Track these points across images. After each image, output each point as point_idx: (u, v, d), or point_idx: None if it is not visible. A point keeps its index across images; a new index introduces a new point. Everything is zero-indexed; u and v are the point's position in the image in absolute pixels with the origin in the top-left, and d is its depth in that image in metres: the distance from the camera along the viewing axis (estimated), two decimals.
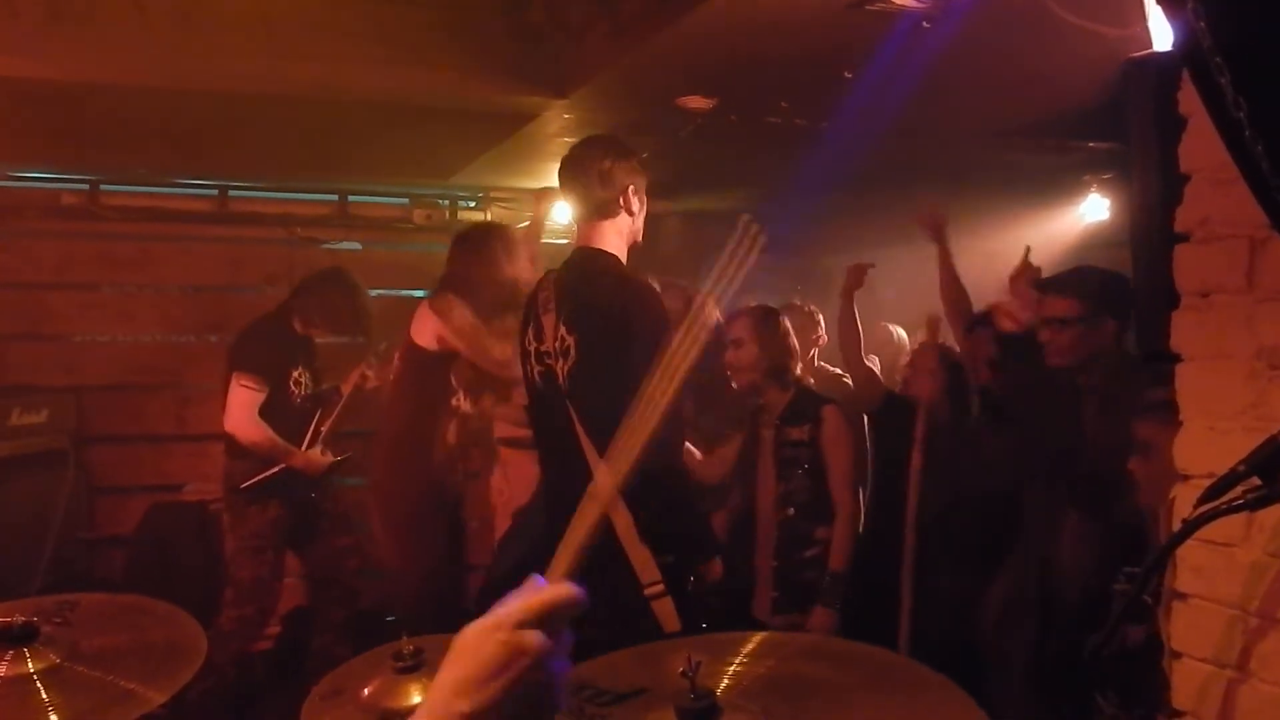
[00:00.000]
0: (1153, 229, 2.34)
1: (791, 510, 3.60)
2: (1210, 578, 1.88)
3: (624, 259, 2.94)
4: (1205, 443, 1.91)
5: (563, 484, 2.87)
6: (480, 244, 4.31)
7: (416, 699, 1.86)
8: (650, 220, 6.15)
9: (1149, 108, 2.59)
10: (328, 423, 4.53)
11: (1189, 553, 1.91)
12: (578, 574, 1.05)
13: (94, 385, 5.47)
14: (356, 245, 5.93)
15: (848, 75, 3.92)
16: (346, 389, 4.57)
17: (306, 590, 4.79)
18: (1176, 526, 1.76)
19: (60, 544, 4.95)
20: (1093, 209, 5.94)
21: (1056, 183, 5.89)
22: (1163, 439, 2.37)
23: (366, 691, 1.88)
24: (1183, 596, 1.96)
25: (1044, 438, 3.17)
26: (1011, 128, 4.94)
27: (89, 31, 3.71)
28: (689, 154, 5.12)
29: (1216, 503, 1.58)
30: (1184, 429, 1.98)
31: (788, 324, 3.84)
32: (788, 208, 5.80)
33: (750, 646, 1.52)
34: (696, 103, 4.28)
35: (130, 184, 5.57)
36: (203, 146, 5.07)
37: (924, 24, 3.51)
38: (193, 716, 3.56)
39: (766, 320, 3.78)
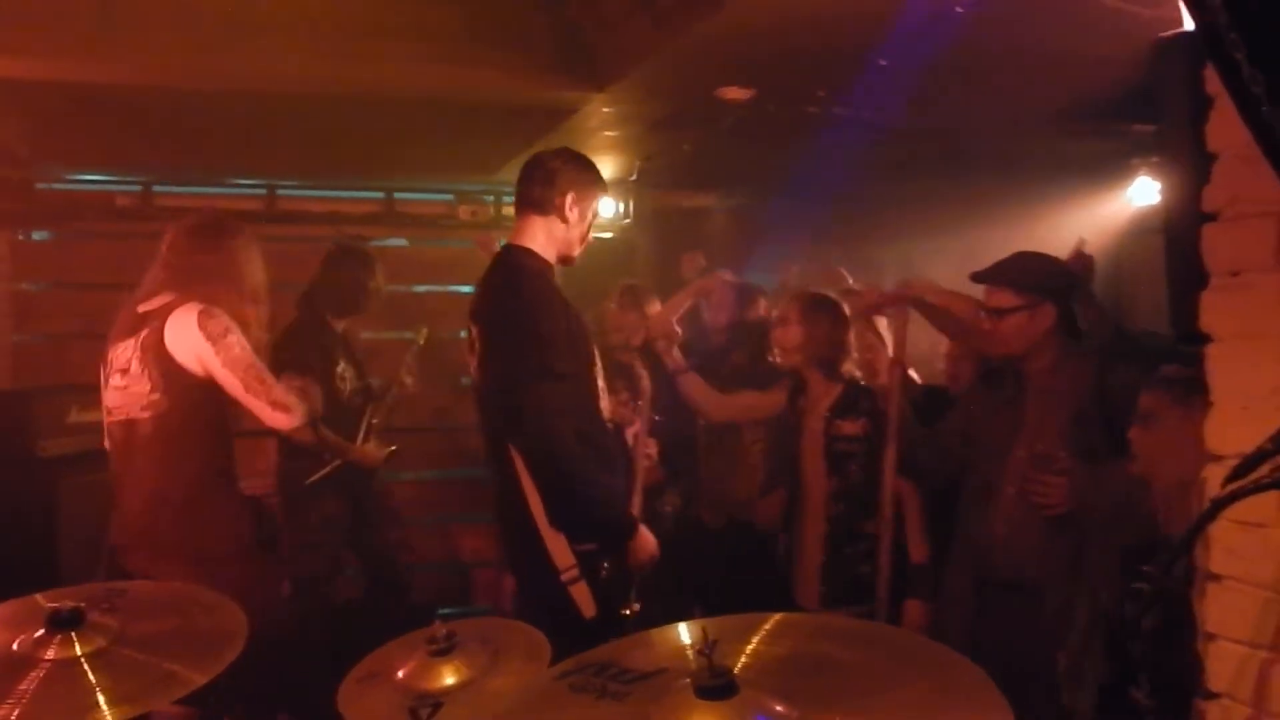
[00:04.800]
0: (1185, 209, 2.31)
1: (843, 505, 3.55)
2: (1244, 558, 1.85)
3: (548, 257, 2.96)
4: (1237, 423, 1.87)
5: (489, 470, 2.99)
6: None
7: (449, 681, 1.91)
8: (692, 214, 6.23)
9: (1180, 86, 2.54)
10: (378, 416, 4.57)
11: (1222, 533, 1.89)
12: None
13: None
14: (403, 242, 6.03)
15: (883, 63, 3.91)
16: (391, 389, 4.62)
17: (359, 584, 4.86)
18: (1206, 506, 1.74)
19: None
20: (1142, 192, 5.84)
21: (1103, 167, 5.82)
22: (1168, 412, 2.39)
23: (401, 674, 1.93)
24: (1216, 578, 1.94)
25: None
26: (1052, 112, 4.90)
27: (139, 36, 3.82)
28: (730, 146, 5.13)
29: (1244, 481, 1.58)
30: (1214, 409, 1.95)
31: (846, 316, 3.72)
32: (832, 198, 5.80)
33: (769, 626, 1.52)
34: (735, 94, 4.30)
35: (182, 184, 5.71)
36: (251, 147, 5.19)
37: (958, 9, 3.49)
38: (247, 704, 3.61)
39: (818, 306, 3.70)
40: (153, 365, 3.12)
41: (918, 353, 4.54)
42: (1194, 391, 2.13)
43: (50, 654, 1.84)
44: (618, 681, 1.47)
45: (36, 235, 5.65)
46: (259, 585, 3.21)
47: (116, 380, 3.22)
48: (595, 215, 3.08)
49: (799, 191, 5.59)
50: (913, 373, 4.23)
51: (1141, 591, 2.24)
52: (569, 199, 2.94)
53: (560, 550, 2.75)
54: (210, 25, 3.89)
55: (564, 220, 2.95)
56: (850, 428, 3.56)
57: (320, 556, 4.40)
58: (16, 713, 1.72)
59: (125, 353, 3.19)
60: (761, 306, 4.54)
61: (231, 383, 3.09)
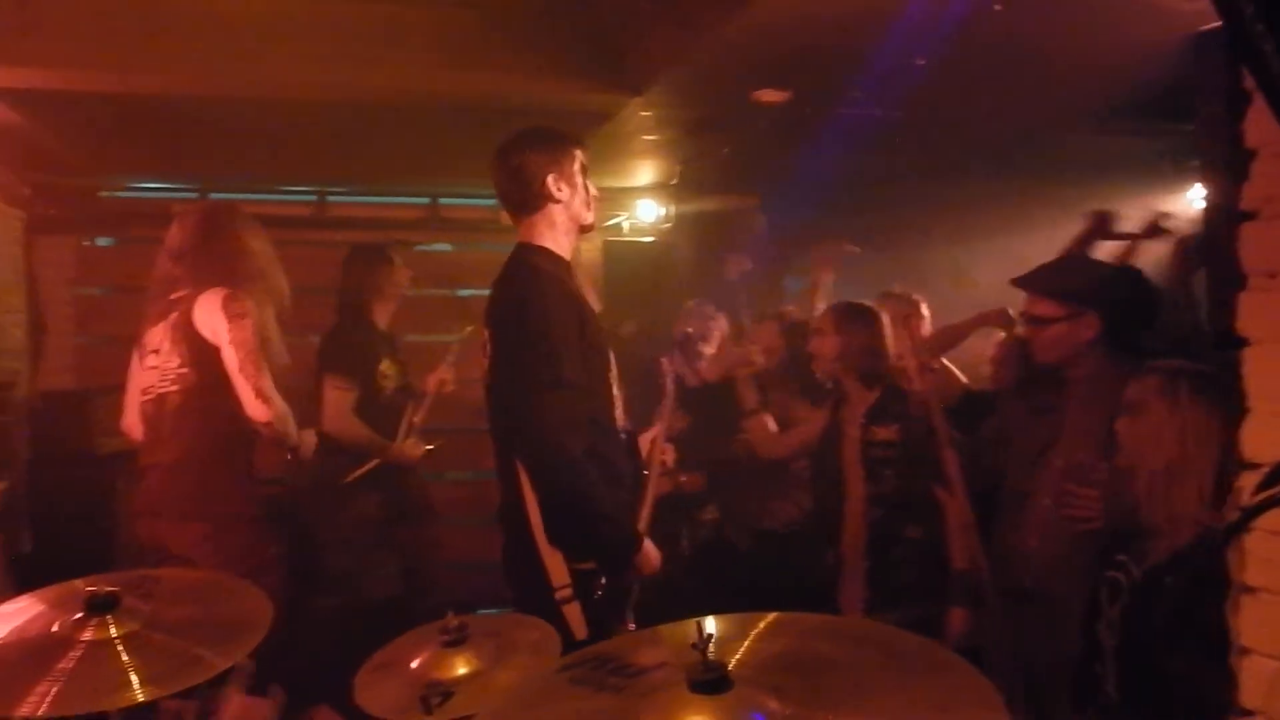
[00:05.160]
0: (1223, 208, 2.27)
1: (881, 511, 3.54)
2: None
3: (561, 248, 2.89)
4: (1272, 429, 1.83)
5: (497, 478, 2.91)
6: None
7: (460, 671, 1.97)
8: (733, 217, 6.23)
9: (1218, 82, 2.51)
10: (419, 415, 4.63)
11: (1257, 544, 1.84)
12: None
13: None
14: (448, 247, 6.14)
15: (920, 62, 3.90)
16: (431, 389, 4.68)
17: (396, 581, 4.92)
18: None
19: None
20: (1203, 194, 5.71)
21: (1160, 168, 5.71)
22: (1156, 402, 2.34)
23: (414, 664, 2.00)
24: (1251, 590, 1.89)
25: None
26: (1099, 111, 4.83)
27: (186, 49, 3.95)
28: (769, 149, 5.14)
29: (1275, 490, 1.56)
30: (1250, 415, 1.91)
31: (883, 323, 3.74)
32: (879, 199, 5.78)
33: (765, 624, 1.54)
34: (771, 96, 4.30)
35: (234, 191, 5.82)
36: (301, 154, 5.32)
37: (996, 5, 3.47)
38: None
39: (854, 315, 3.72)
40: (181, 342, 3.40)
41: (964, 356, 4.54)
42: (1181, 382, 2.12)
43: (87, 635, 1.95)
44: (618, 675, 1.49)
45: (100, 241, 5.84)
46: (258, 547, 3.45)
47: (149, 361, 3.49)
48: (584, 171, 2.94)
49: (840, 195, 5.58)
50: (959, 373, 4.21)
51: (1117, 581, 2.24)
52: (550, 182, 2.84)
53: (556, 567, 2.64)
54: (254, 35, 4.01)
55: (557, 202, 2.86)
56: (885, 433, 3.55)
57: (353, 553, 4.46)
58: (56, 689, 1.82)
59: (156, 336, 3.47)
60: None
61: (231, 359, 3.33)
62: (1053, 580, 2.87)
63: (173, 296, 3.52)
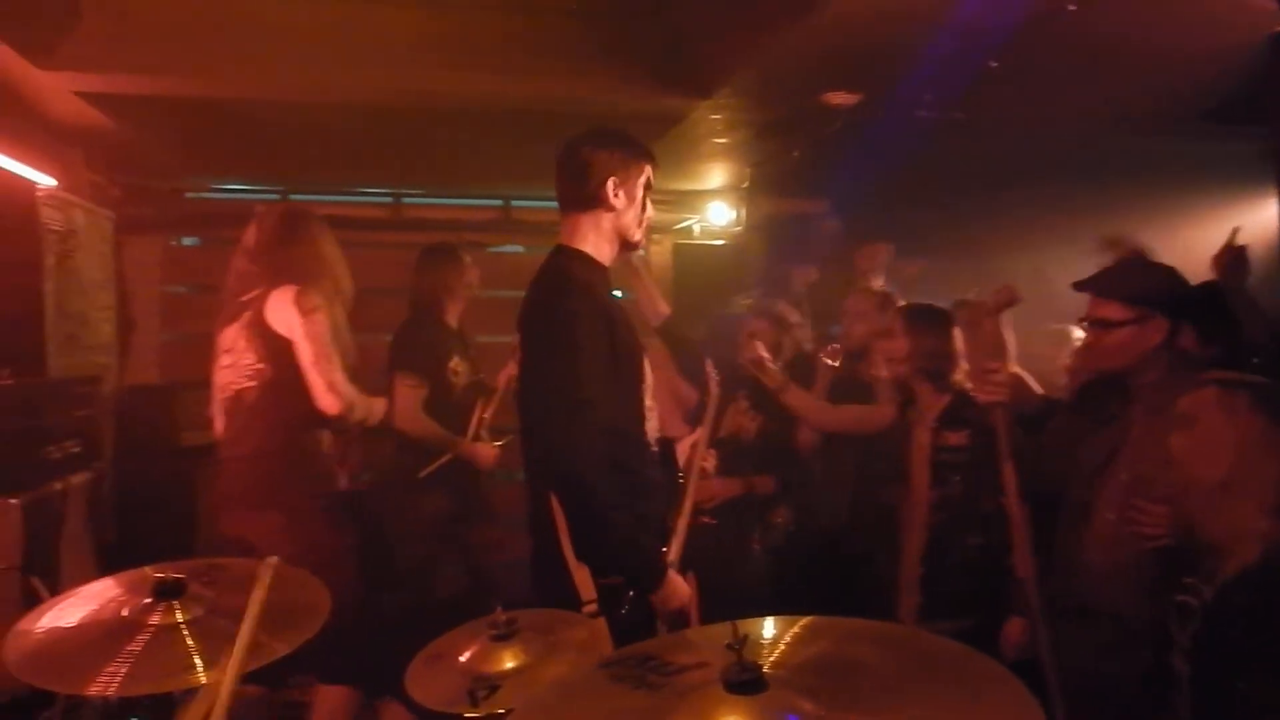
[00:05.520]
0: None
1: (944, 516, 3.49)
2: None
3: (601, 255, 2.77)
4: None
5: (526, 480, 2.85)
6: None
7: (508, 665, 2.00)
8: (804, 220, 6.20)
9: None
10: (489, 410, 4.65)
11: None
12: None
13: None
14: (519, 248, 6.22)
15: (993, 64, 3.86)
16: (501, 385, 4.72)
17: (462, 580, 4.98)
18: None
19: None
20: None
21: (1251, 171, 5.53)
22: (1210, 414, 2.28)
23: (463, 657, 2.03)
24: None
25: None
26: (1183, 112, 4.72)
27: (270, 55, 4.08)
28: (841, 152, 5.11)
29: None
30: None
31: (954, 328, 3.66)
32: (955, 204, 5.70)
33: (801, 627, 1.54)
34: (841, 98, 4.30)
35: (313, 193, 6.00)
36: (378, 157, 5.43)
37: (1070, 6, 3.42)
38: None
39: (924, 316, 3.66)
40: (256, 339, 3.52)
41: (1039, 364, 4.45)
42: (1239, 395, 2.05)
43: (155, 620, 2.01)
44: (657, 673, 1.50)
45: (185, 241, 6.05)
46: (331, 538, 3.54)
47: (224, 360, 3.62)
48: (648, 188, 2.82)
49: (914, 198, 5.52)
50: (1033, 382, 4.13)
51: (1187, 605, 2.17)
52: (610, 186, 2.72)
53: (584, 581, 2.54)
54: (338, 41, 4.12)
55: (610, 209, 2.74)
56: (955, 438, 3.50)
57: (422, 550, 4.50)
58: (125, 670, 1.90)
59: (230, 335, 3.60)
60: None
61: (306, 353, 3.46)
62: (1112, 597, 2.74)
63: (245, 297, 3.63)
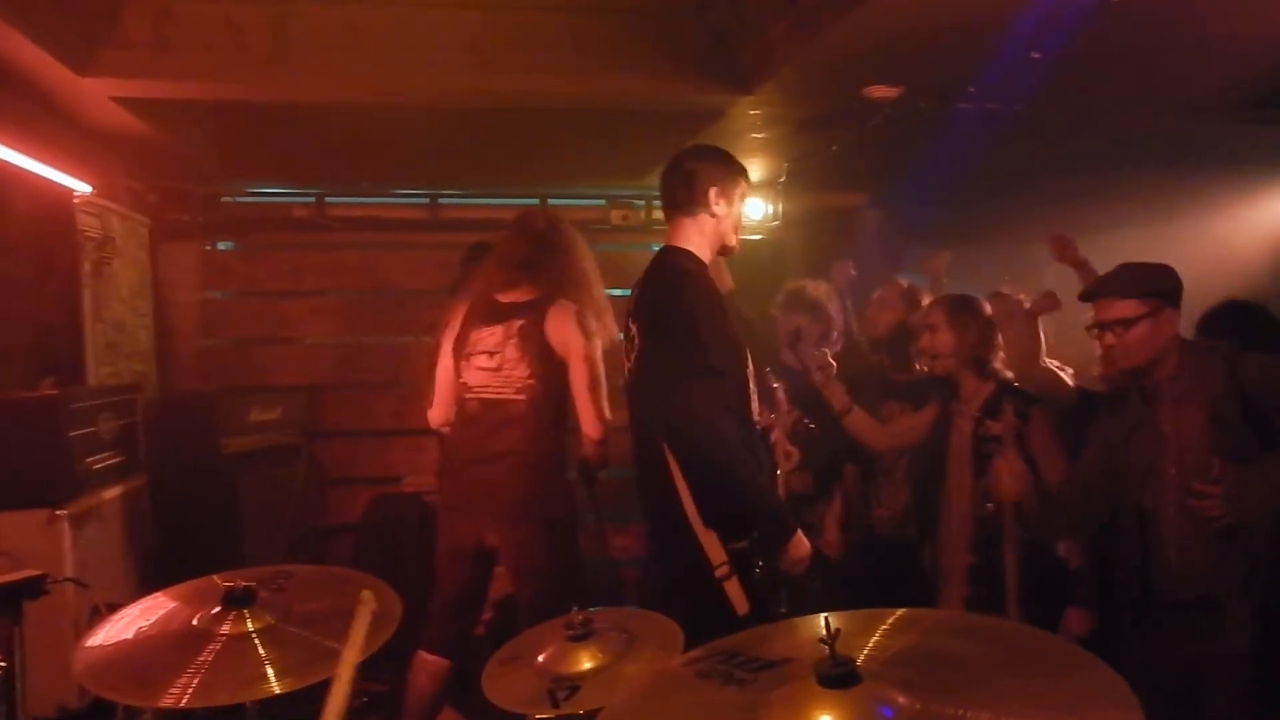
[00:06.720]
0: None
1: (990, 506, 3.46)
2: None
3: (703, 255, 3.03)
4: None
5: (636, 466, 3.04)
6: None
7: (586, 665, 1.98)
8: (841, 214, 6.15)
9: None
10: None
11: None
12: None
13: (324, 384, 5.96)
14: None
15: (1036, 55, 3.81)
16: None
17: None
18: None
19: (296, 532, 5.41)
20: None
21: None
22: None
23: (540, 658, 2.01)
24: None
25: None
26: (1222, 100, 4.65)
27: (311, 57, 4.06)
28: (879, 146, 5.07)
29: None
30: None
31: (990, 314, 3.68)
32: (989, 195, 5.65)
33: (893, 620, 1.53)
34: (882, 92, 4.26)
35: (352, 196, 6.02)
36: (415, 158, 5.42)
37: None
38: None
39: (965, 307, 3.65)
40: (532, 352, 3.51)
41: (1072, 355, 4.40)
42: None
43: (225, 629, 2.00)
44: (744, 669, 1.49)
45: (222, 246, 6.04)
46: (574, 561, 3.62)
47: (482, 361, 3.58)
48: (743, 200, 3.11)
49: (951, 190, 5.47)
50: (1066, 375, 4.09)
51: None
52: (712, 194, 3.00)
53: (713, 546, 2.76)
54: (375, 45, 4.10)
55: (712, 215, 3.02)
56: (998, 427, 3.49)
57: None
58: (197, 681, 1.88)
59: (493, 337, 3.57)
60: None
61: (580, 377, 3.48)
62: (1205, 586, 2.82)
63: (505, 300, 3.61)
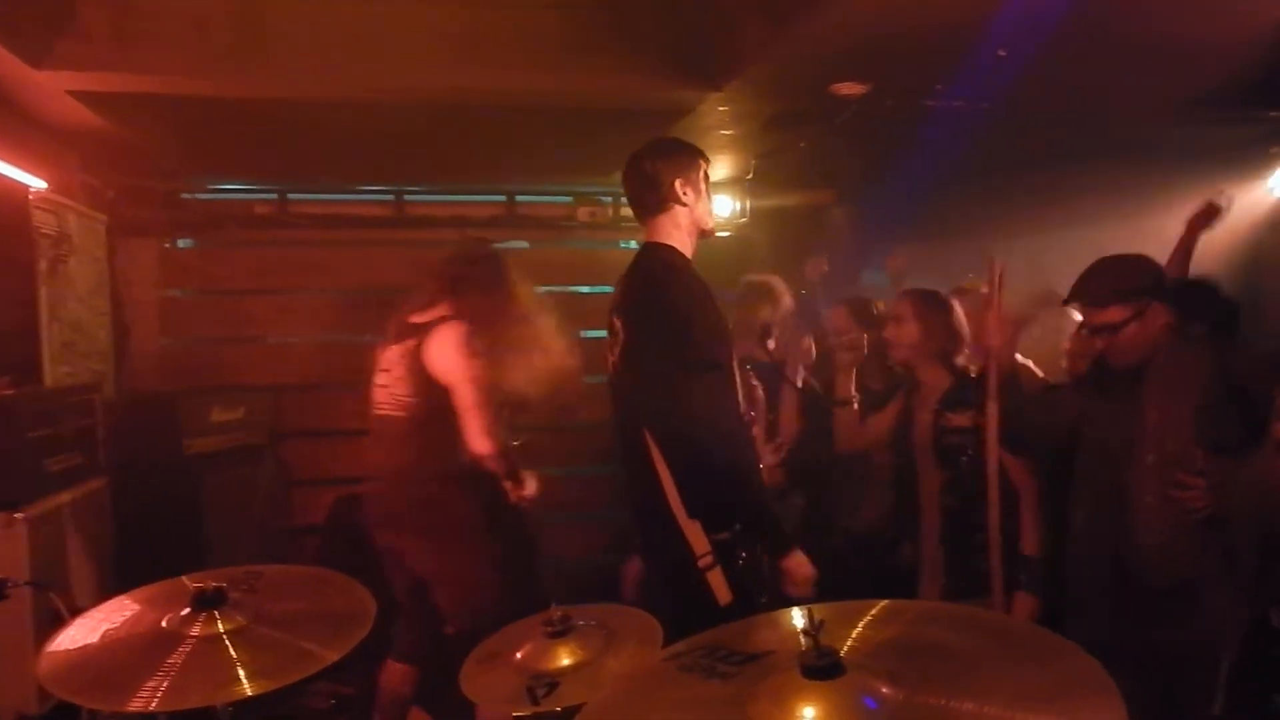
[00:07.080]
0: None
1: (956, 498, 3.48)
2: None
3: (684, 247, 3.05)
4: None
5: (621, 460, 3.06)
6: None
7: (565, 662, 1.96)
8: (809, 211, 6.16)
9: None
10: (509, 411, 4.60)
11: None
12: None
13: (288, 384, 5.87)
14: (524, 244, 6.15)
15: (1002, 54, 3.83)
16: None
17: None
18: None
19: (262, 533, 5.35)
20: None
21: (1240, 156, 5.55)
22: None
23: (519, 655, 1.99)
24: None
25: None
26: (1183, 99, 4.71)
27: (275, 52, 3.99)
28: (846, 142, 5.07)
29: None
30: None
31: (957, 309, 3.71)
32: (956, 191, 5.69)
33: (875, 611, 1.53)
34: (850, 89, 4.25)
35: (316, 192, 5.94)
36: (380, 155, 5.35)
37: None
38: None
39: (931, 302, 3.68)
40: (414, 371, 3.56)
41: (1040, 349, 4.43)
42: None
43: (195, 630, 1.97)
44: (726, 663, 1.50)
45: (182, 243, 5.94)
46: (480, 567, 3.62)
47: (381, 379, 3.69)
48: (708, 180, 3.13)
49: (917, 186, 5.49)
50: (1035, 367, 4.12)
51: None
52: (678, 186, 3.02)
53: (696, 536, 2.79)
54: (340, 40, 4.04)
55: (683, 205, 3.03)
56: (959, 419, 3.51)
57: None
58: (167, 684, 1.84)
59: (391, 355, 3.67)
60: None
61: (462, 398, 3.52)
62: (1181, 574, 2.84)
63: (413, 320, 3.69)
